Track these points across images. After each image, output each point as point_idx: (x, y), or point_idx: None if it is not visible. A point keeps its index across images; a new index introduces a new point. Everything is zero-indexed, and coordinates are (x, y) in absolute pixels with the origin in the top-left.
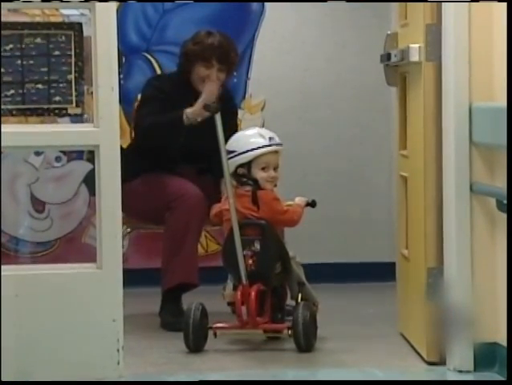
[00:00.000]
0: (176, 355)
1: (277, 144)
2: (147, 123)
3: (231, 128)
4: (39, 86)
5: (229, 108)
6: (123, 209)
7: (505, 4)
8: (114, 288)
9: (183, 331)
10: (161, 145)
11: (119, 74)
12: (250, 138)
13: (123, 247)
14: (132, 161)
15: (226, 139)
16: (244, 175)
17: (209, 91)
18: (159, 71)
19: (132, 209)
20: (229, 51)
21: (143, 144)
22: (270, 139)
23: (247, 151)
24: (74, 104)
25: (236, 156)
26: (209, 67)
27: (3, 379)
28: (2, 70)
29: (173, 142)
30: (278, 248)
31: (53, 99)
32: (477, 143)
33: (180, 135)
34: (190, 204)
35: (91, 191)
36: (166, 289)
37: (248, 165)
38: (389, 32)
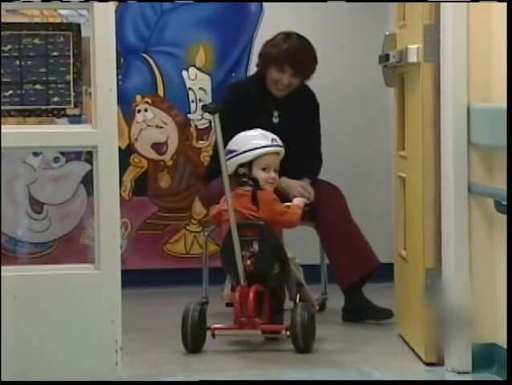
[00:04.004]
0: (174, 356)
1: (278, 146)
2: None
3: (315, 124)
4: (37, 86)
5: (310, 105)
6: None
7: (505, 4)
8: (112, 289)
9: (181, 332)
10: None
11: (117, 75)
12: (253, 138)
13: (121, 248)
14: (213, 161)
15: (308, 136)
16: (244, 174)
17: None
18: (157, 72)
19: (208, 206)
20: (305, 57)
21: None
22: (273, 140)
23: (249, 150)
24: (72, 105)
25: (237, 155)
26: (282, 72)
27: (3, 379)
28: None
29: None
30: (276, 249)
31: (51, 99)
32: (476, 144)
33: None
34: None
35: (90, 192)
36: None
37: (249, 165)
38: (387, 33)
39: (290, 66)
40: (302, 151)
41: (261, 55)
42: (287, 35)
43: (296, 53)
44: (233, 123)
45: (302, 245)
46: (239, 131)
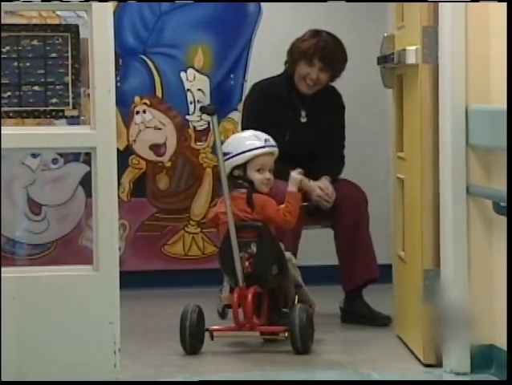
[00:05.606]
0: (172, 357)
1: (271, 146)
2: None
3: (340, 125)
4: (36, 88)
5: (336, 106)
6: None
7: (504, 4)
8: (111, 290)
9: (180, 333)
10: None
11: (115, 76)
12: (246, 140)
13: (120, 249)
14: None
15: (335, 136)
16: (240, 176)
17: None
18: (156, 74)
19: None
20: (335, 53)
21: None
22: (265, 140)
23: (243, 152)
24: (70, 106)
25: (231, 157)
26: (311, 66)
27: (3, 379)
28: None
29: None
30: (274, 250)
31: (50, 101)
32: (474, 146)
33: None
34: None
35: (88, 193)
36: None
37: (243, 167)
38: (386, 34)
39: (320, 59)
40: (326, 152)
41: (290, 51)
42: (316, 31)
43: (326, 47)
44: (260, 122)
45: (301, 246)
46: (264, 130)
